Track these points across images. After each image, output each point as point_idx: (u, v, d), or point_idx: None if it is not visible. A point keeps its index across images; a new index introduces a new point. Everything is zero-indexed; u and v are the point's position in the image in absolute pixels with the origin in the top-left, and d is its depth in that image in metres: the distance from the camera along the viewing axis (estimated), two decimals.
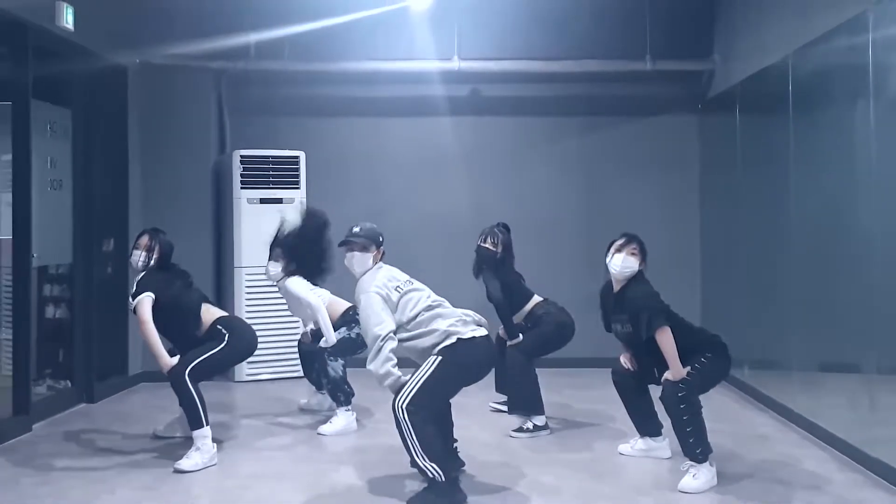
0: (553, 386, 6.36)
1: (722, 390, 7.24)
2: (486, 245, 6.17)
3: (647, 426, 5.28)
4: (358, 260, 4.73)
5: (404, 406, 4.31)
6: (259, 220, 7.53)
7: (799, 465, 5.10)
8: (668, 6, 8.16)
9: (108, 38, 7.09)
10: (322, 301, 6.03)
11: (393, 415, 4.36)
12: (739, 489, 4.69)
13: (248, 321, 7.60)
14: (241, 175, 7.79)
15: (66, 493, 4.65)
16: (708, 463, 4.74)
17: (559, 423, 6.13)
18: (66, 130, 6.82)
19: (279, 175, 7.86)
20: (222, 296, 8.00)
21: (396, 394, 4.37)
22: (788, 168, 6.11)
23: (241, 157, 7.82)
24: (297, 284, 6.00)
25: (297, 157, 7.92)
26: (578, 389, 7.08)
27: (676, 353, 4.77)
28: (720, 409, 6.56)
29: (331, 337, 5.96)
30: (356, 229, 4.77)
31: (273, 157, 7.87)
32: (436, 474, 4.32)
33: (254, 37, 7.89)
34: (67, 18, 6.30)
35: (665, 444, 5.24)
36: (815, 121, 5.78)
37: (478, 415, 6.33)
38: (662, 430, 5.24)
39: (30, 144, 5.97)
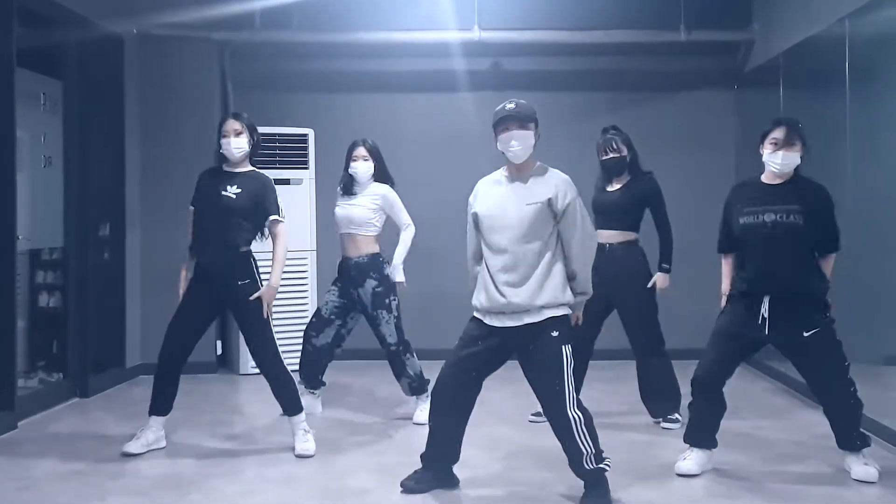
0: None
1: (767, 386, 6.79)
2: (612, 155, 5.60)
3: (712, 436, 4.59)
4: (519, 138, 4.04)
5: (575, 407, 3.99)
6: None
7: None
8: None
9: (102, 4, 6.61)
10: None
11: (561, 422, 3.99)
12: (801, 494, 4.21)
13: None
14: None
15: (52, 499, 4.17)
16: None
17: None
18: (55, 103, 6.34)
19: (286, 154, 7.38)
20: None
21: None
22: (845, 148, 5.58)
23: None
24: (397, 197, 5.71)
25: (305, 136, 7.43)
26: (608, 383, 6.58)
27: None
28: (769, 406, 6.10)
29: (399, 271, 5.59)
30: (509, 105, 4.09)
31: (280, 135, 7.38)
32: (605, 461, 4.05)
33: (259, 4, 7.35)
34: None
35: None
36: (876, 94, 5.25)
37: (498, 404, 5.85)
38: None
39: (13, 119, 5.47)
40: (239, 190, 4.81)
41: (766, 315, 4.30)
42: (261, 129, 7.20)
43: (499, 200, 4.11)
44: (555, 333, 3.99)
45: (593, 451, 3.99)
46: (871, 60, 5.33)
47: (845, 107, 5.58)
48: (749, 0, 7.63)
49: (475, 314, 4.18)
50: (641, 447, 5.06)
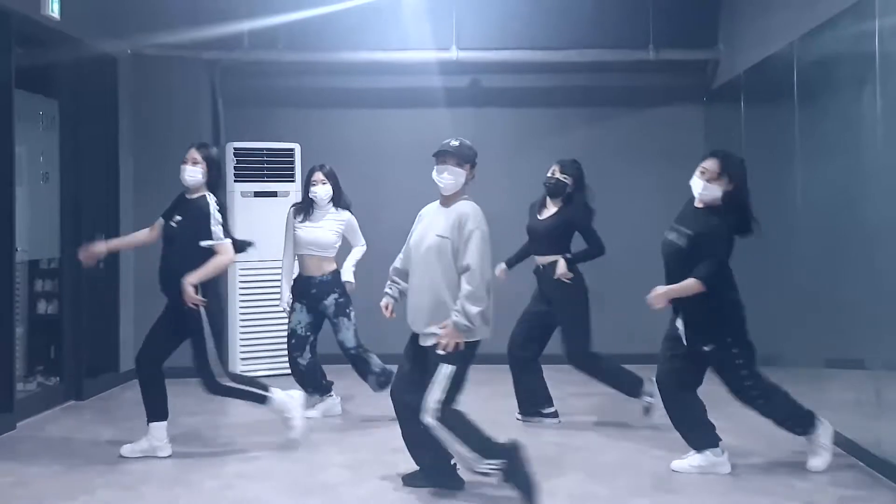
0: (555, 383, 6.21)
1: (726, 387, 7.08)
2: (552, 177, 6.02)
3: (702, 437, 4.86)
4: (452, 173, 4.42)
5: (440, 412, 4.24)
6: (253, 214, 7.38)
7: (802, 465, 4.90)
8: None
9: (96, 27, 6.94)
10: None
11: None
12: (740, 489, 4.53)
13: (242, 316, 7.61)
14: (235, 168, 7.64)
15: (44, 493, 4.51)
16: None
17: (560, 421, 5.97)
18: (52, 122, 6.68)
19: (273, 168, 7.71)
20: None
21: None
22: (794, 160, 5.92)
23: (235, 149, 7.67)
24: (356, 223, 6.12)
25: (291, 150, 7.76)
26: (579, 386, 6.88)
27: (676, 295, 4.61)
28: (723, 406, 6.36)
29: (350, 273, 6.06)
30: (454, 143, 4.48)
31: (267, 149, 7.72)
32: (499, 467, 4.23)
33: (248, 26, 7.69)
34: (53, 7, 6.17)
35: (725, 459, 4.84)
36: (820, 111, 5.58)
37: (471, 408, 6.16)
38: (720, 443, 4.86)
39: (13, 136, 5.82)
40: (180, 218, 5.15)
41: (680, 328, 4.76)
42: (249, 144, 7.68)
43: (424, 228, 4.50)
44: (440, 352, 4.26)
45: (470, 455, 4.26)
46: (815, 81, 5.66)
47: (794, 123, 5.91)
48: (716, 21, 7.95)
49: None
50: (596, 447, 5.39)
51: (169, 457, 5.13)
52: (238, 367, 7.60)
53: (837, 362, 5.43)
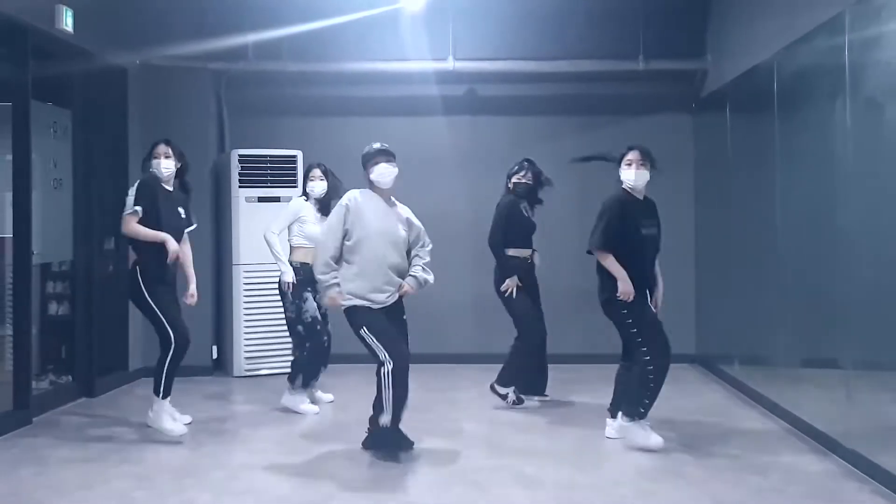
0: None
1: (713, 385, 7.36)
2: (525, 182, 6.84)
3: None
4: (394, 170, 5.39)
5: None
6: (257, 219, 7.64)
7: (778, 458, 5.17)
8: (660, 6, 8.23)
9: (107, 39, 7.22)
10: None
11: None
12: (716, 482, 4.76)
13: (246, 317, 7.88)
14: (240, 174, 7.93)
15: (62, 482, 4.78)
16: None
17: (547, 415, 6.23)
18: (65, 131, 6.96)
19: (277, 174, 7.98)
20: (221, 292, 8.18)
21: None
22: (774, 167, 6.18)
23: (240, 156, 7.95)
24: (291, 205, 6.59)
25: (294, 157, 8.03)
26: (567, 384, 7.16)
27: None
28: (710, 404, 6.66)
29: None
30: (387, 146, 5.40)
31: (271, 156, 7.99)
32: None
33: (252, 38, 8.01)
34: (67, 21, 6.45)
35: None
36: (797, 119, 5.85)
37: (466, 403, 6.46)
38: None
39: (30, 144, 6.10)
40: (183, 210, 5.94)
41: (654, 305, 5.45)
42: (253, 151, 7.96)
43: (381, 219, 5.48)
44: None
45: None
46: (794, 91, 5.92)
47: (774, 130, 6.18)
48: (704, 32, 8.21)
49: None
50: (584, 440, 5.65)
51: (180, 443, 5.46)
52: (243, 366, 7.88)
53: (812, 361, 5.69)
